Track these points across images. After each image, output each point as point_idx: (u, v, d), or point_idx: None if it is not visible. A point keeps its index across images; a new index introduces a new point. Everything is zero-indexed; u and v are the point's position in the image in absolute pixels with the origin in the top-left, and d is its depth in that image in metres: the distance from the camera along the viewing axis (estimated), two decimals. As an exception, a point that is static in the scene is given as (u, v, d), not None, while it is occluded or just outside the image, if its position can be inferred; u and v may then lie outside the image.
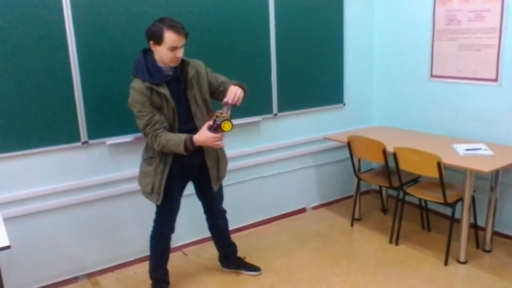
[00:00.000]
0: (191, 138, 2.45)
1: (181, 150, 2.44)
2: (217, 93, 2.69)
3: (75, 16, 2.75)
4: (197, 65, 2.62)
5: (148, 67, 2.44)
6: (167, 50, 2.40)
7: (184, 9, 3.10)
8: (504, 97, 3.31)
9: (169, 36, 2.37)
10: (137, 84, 2.45)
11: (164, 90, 2.46)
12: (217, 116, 2.45)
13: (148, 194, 2.62)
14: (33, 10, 2.63)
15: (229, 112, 2.47)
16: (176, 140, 2.44)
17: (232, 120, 2.49)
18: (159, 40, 2.39)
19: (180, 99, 2.54)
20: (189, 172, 2.72)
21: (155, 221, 2.77)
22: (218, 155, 2.76)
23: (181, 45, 2.43)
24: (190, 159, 2.62)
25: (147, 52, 2.50)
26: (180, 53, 2.44)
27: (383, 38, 4.17)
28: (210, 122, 2.46)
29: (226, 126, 2.43)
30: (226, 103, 2.47)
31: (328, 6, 3.84)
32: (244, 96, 2.59)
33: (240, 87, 2.58)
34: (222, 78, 2.72)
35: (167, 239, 2.80)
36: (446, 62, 3.66)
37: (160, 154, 2.55)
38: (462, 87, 3.57)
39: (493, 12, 3.27)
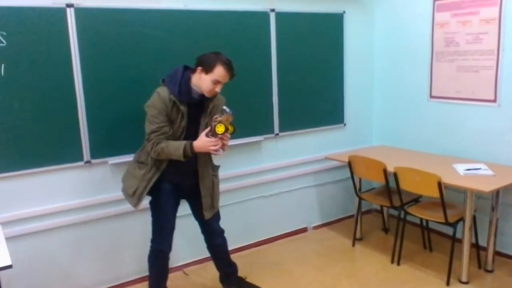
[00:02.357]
0: (191, 143, 2.52)
1: (179, 153, 2.49)
2: None
3: (80, 37, 2.81)
4: (220, 99, 2.73)
5: (180, 83, 2.53)
6: (210, 82, 2.51)
7: (188, 32, 3.16)
8: (503, 118, 3.34)
9: (219, 71, 2.50)
10: (163, 92, 2.53)
11: (184, 108, 2.55)
12: (214, 120, 2.51)
13: (129, 196, 2.67)
14: (38, 31, 2.69)
15: (224, 117, 2.49)
16: (176, 144, 2.52)
17: (235, 139, 2.53)
18: (208, 69, 2.50)
19: (193, 122, 2.62)
20: (180, 189, 2.75)
21: (152, 240, 2.78)
22: (213, 183, 2.79)
23: (224, 82, 2.55)
24: (181, 177, 2.68)
25: (186, 69, 2.60)
26: (219, 89, 2.56)
27: (382, 60, 4.23)
28: (208, 129, 2.53)
29: (219, 128, 2.48)
30: (225, 110, 2.51)
31: (328, 29, 3.91)
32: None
33: None
34: None
35: (165, 257, 2.79)
36: (445, 83, 3.70)
37: (152, 162, 2.60)
38: (461, 107, 3.61)
39: (491, 34, 3.33)
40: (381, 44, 4.21)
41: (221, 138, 2.52)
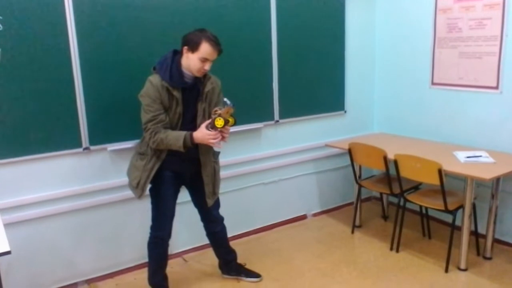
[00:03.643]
0: (191, 134, 2.50)
1: (179, 144, 2.47)
2: None
3: (78, 23, 2.77)
4: (215, 82, 2.69)
5: (171, 68, 2.50)
6: (198, 60, 2.46)
7: (187, 17, 3.12)
8: (504, 105, 3.32)
9: (205, 48, 2.44)
10: (155, 80, 2.50)
11: (178, 94, 2.51)
12: (214, 113, 2.49)
13: (133, 187, 2.66)
14: (36, 16, 2.65)
15: (224, 110, 2.47)
16: (175, 134, 2.49)
17: (234, 126, 2.56)
18: (194, 47, 2.45)
19: (190, 107, 2.59)
20: (180, 177, 2.74)
21: (151, 227, 2.78)
22: (215, 170, 2.78)
23: (212, 59, 2.50)
24: (182, 165, 2.66)
25: (176, 54, 2.55)
26: (208, 66, 2.51)
27: (384, 46, 4.19)
28: (209, 120, 2.52)
29: (218, 122, 2.46)
30: (225, 102, 2.47)
31: (329, 14, 3.86)
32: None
33: None
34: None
35: (164, 244, 2.79)
36: (447, 70, 3.67)
37: (152, 152, 2.58)
38: (463, 94, 3.58)
39: (494, 20, 3.29)
40: (383, 30, 4.17)
41: (221, 131, 2.51)
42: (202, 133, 2.50)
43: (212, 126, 2.48)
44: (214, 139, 2.50)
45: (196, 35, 2.47)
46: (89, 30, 2.82)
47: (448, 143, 3.67)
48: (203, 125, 2.51)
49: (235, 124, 2.57)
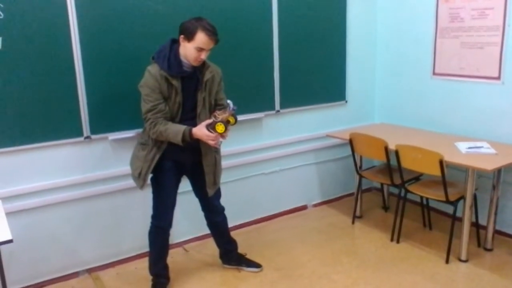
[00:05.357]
0: (190, 130, 2.49)
1: (178, 139, 2.47)
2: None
3: (79, 11, 2.75)
4: (215, 71, 2.67)
5: (169, 57, 2.48)
6: (194, 49, 2.44)
7: (188, 6, 3.10)
8: (506, 95, 3.30)
9: (200, 37, 2.42)
10: (153, 69, 2.49)
11: (177, 83, 2.50)
12: (215, 116, 2.50)
13: (135, 178, 2.67)
14: (37, 5, 2.63)
15: (226, 115, 2.49)
16: (175, 129, 2.49)
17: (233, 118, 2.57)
18: (189, 37, 2.43)
19: (189, 97, 2.58)
20: (181, 167, 2.74)
21: (152, 216, 2.78)
22: (216, 160, 2.77)
23: (208, 49, 2.47)
24: (183, 155, 2.66)
25: (175, 43, 2.54)
26: (204, 56, 2.48)
27: (385, 36, 4.16)
28: (209, 121, 2.51)
29: (219, 128, 2.48)
30: (228, 104, 2.51)
31: (331, 4, 3.83)
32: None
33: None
34: (223, 96, 2.77)
35: (165, 233, 2.80)
36: (449, 60, 3.65)
37: (153, 142, 2.58)
38: (464, 85, 3.57)
39: (496, 10, 3.27)
40: (384, 20, 4.14)
41: (221, 135, 2.51)
42: (201, 132, 2.49)
43: (213, 128, 2.48)
44: (213, 140, 2.50)
45: (192, 23, 2.44)
46: (91, 18, 2.80)
47: (449, 133, 3.66)
48: (203, 124, 2.50)
49: (235, 123, 2.58)
